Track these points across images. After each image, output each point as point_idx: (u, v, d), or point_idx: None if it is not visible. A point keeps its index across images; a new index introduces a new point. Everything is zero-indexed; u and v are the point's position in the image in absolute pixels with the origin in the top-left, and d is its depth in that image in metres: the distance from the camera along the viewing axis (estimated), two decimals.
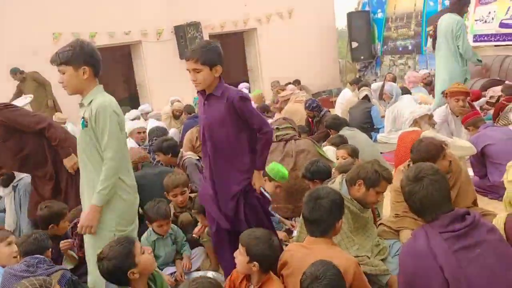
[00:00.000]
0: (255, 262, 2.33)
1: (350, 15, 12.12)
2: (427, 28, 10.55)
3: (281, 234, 3.86)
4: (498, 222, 2.45)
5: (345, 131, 5.34)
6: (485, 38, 8.69)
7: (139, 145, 5.91)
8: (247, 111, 2.83)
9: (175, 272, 3.48)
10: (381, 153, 5.56)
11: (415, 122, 4.71)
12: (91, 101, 2.66)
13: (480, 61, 6.09)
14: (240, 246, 2.39)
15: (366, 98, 7.54)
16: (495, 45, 8.62)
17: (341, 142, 4.63)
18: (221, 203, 2.90)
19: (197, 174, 4.43)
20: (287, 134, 4.46)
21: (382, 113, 7.42)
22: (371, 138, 6.24)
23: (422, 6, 10.70)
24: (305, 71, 11.43)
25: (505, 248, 2.08)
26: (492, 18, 8.08)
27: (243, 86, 10.60)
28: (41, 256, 2.72)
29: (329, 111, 7.00)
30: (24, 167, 4.00)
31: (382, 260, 2.94)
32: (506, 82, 7.24)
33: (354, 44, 11.99)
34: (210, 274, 3.35)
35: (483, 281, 1.98)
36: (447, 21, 5.95)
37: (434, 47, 6.17)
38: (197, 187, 4.28)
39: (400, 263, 2.25)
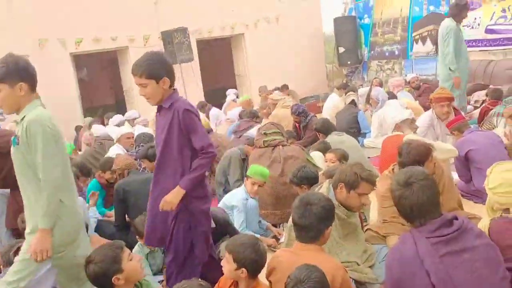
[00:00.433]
0: (243, 269, 2.32)
1: (336, 21, 12.21)
2: (413, 33, 10.69)
3: (269, 241, 3.86)
4: (482, 227, 2.47)
5: (334, 136, 5.37)
6: (473, 43, 8.82)
7: (127, 150, 5.87)
8: (190, 126, 2.66)
9: (163, 280, 3.45)
10: (368, 157, 5.60)
11: (398, 127, 4.76)
12: (23, 117, 2.50)
13: (452, 70, 6.13)
14: (226, 254, 2.38)
15: (353, 103, 7.61)
16: (480, 50, 8.76)
17: (325, 149, 4.65)
18: (158, 220, 2.78)
19: None
20: (274, 139, 4.45)
21: (369, 118, 7.48)
22: (358, 142, 6.28)
23: (408, 11, 10.83)
24: (293, 76, 11.47)
25: (493, 253, 2.09)
26: (478, 24, 8.20)
27: (231, 92, 10.62)
28: None
29: (315, 116, 7.02)
30: (5, 186, 3.86)
31: (370, 266, 2.95)
32: (491, 86, 7.35)
33: (341, 49, 12.08)
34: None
35: (469, 286, 2.00)
36: (442, 25, 6.15)
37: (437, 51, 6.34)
38: None
39: (387, 268, 2.24)
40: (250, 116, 7.17)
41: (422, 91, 7.99)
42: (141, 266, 2.46)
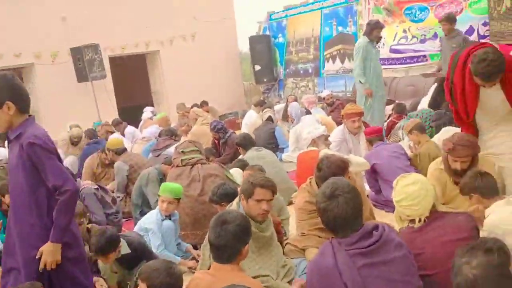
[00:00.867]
0: None
1: (252, 39, 12.47)
2: (325, 52, 11.21)
3: (189, 263, 3.75)
4: None
5: (253, 151, 5.41)
6: (380, 62, 9.42)
7: None
8: (38, 162, 2.38)
9: None
10: (287, 172, 5.70)
11: (313, 142, 4.91)
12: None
13: (362, 83, 6.62)
14: (140, 283, 2.25)
15: (270, 119, 7.77)
16: (385, 68, 9.38)
17: (243, 166, 4.65)
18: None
19: (97, 204, 4.18)
20: (193, 158, 4.35)
21: (286, 133, 7.67)
22: (276, 157, 6.38)
23: (319, 31, 11.34)
24: (211, 93, 11.47)
25: (409, 264, 2.16)
26: (383, 44, 8.78)
27: (148, 110, 10.35)
28: None
29: (234, 133, 7.05)
30: None
31: (290, 281, 2.96)
32: (396, 101, 7.88)
33: (257, 67, 12.33)
34: None
35: None
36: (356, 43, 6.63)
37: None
38: (97, 218, 4.04)
39: (308, 280, 2.26)
40: (169, 134, 7.03)
41: (335, 107, 8.37)
42: None
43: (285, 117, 8.79)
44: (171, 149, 5.84)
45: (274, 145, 7.25)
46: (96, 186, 4.46)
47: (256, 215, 2.88)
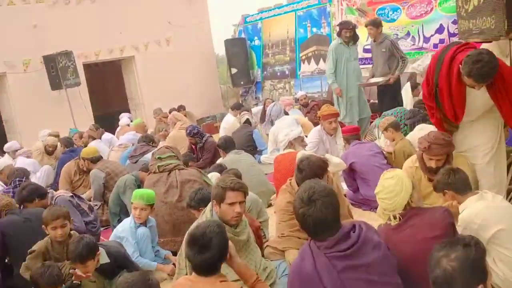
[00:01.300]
0: None
1: (227, 42, 12.46)
2: (300, 53, 11.28)
3: (167, 268, 3.72)
4: None
5: (233, 154, 5.40)
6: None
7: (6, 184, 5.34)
8: None
9: None
10: (266, 174, 5.71)
11: (290, 144, 4.94)
12: None
13: (330, 83, 6.80)
14: None
15: (248, 122, 7.78)
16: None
17: (222, 171, 4.64)
18: None
19: (73, 210, 4.07)
20: (170, 163, 4.30)
21: (264, 135, 7.69)
22: (255, 159, 6.38)
23: (294, 33, 11.42)
24: (188, 98, 11.42)
25: (388, 264, 2.17)
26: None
27: (125, 116, 10.25)
28: None
29: (211, 137, 6.99)
30: None
31: (271, 284, 2.95)
32: (371, 101, 7.97)
33: (234, 70, 12.33)
34: None
35: None
36: None
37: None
38: (75, 225, 3.95)
39: (288, 285, 2.26)
40: (146, 140, 6.96)
41: (311, 108, 8.42)
42: None
43: (263, 119, 8.81)
44: (149, 156, 5.79)
45: (252, 147, 7.26)
46: (71, 194, 4.39)
47: (230, 219, 2.85)
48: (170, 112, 9.65)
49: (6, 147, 7.96)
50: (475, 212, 2.64)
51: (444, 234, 2.41)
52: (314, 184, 2.25)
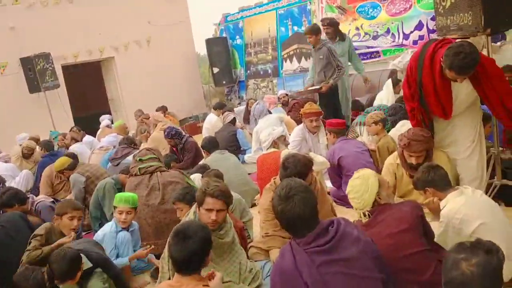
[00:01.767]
0: None
1: (208, 42, 12.39)
2: (282, 52, 11.28)
3: (141, 253, 3.68)
4: None
5: (216, 154, 5.36)
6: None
7: None
8: None
9: None
10: (249, 173, 5.69)
11: (274, 143, 4.92)
12: None
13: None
14: None
15: (233, 121, 7.74)
16: None
17: (204, 172, 4.59)
18: None
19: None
20: (151, 165, 4.24)
21: (247, 135, 7.67)
22: (238, 159, 6.36)
23: (276, 32, 11.41)
24: (170, 98, 11.33)
25: (368, 258, 2.18)
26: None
27: (105, 118, 10.12)
28: None
29: (191, 137, 6.90)
30: None
31: (258, 286, 2.93)
32: (355, 98, 8.00)
33: (216, 70, 12.27)
34: None
35: None
36: None
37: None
38: None
39: (271, 284, 2.25)
40: (128, 142, 6.87)
41: (291, 106, 8.42)
42: None
43: (246, 119, 8.80)
44: (131, 158, 5.72)
45: (236, 147, 7.23)
46: (52, 199, 4.31)
47: (207, 224, 2.80)
48: (153, 113, 9.57)
49: None
50: (456, 208, 2.66)
51: (410, 227, 2.47)
52: (291, 181, 2.28)
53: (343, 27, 8.02)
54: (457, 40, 3.42)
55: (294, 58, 10.97)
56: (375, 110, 5.69)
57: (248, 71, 12.40)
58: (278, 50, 11.43)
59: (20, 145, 7.70)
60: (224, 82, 12.45)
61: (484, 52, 3.58)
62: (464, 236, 2.65)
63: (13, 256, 3.36)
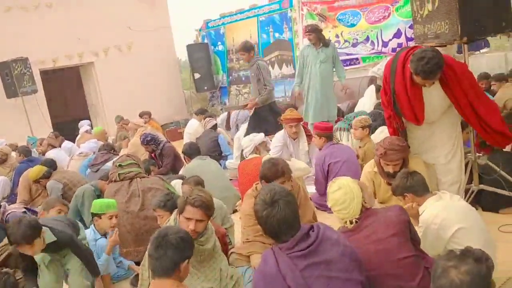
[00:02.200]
0: None
1: (190, 47, 12.35)
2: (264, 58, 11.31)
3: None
4: None
5: (197, 160, 5.34)
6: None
7: None
8: None
9: None
10: (230, 179, 5.68)
11: (256, 149, 4.93)
12: None
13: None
14: None
15: (215, 127, 7.73)
16: None
17: (182, 179, 4.55)
18: None
19: None
20: (130, 171, 4.20)
21: (230, 141, 7.66)
22: (220, 165, 6.34)
23: (257, 38, 11.44)
24: (151, 104, 11.22)
25: (346, 260, 2.19)
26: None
27: (84, 123, 9.98)
28: None
29: (169, 142, 6.83)
30: None
31: None
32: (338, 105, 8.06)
33: (197, 75, 12.23)
34: None
35: None
36: None
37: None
38: None
39: None
40: (107, 148, 6.79)
41: None
42: None
43: (228, 127, 8.78)
44: (110, 164, 5.65)
45: (217, 153, 7.20)
46: (23, 209, 4.22)
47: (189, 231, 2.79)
48: (140, 117, 9.48)
49: None
50: (435, 213, 2.70)
51: (399, 232, 2.46)
52: (274, 186, 2.31)
53: (324, 34, 8.10)
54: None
55: (276, 65, 11.02)
56: (355, 116, 5.75)
57: (230, 77, 12.39)
58: (259, 56, 11.45)
59: None
60: (205, 88, 12.40)
61: (461, 59, 3.66)
62: (442, 241, 2.70)
63: None
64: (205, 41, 12.66)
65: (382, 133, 4.64)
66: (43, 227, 3.04)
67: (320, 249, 2.15)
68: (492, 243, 2.84)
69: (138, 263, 3.91)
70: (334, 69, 6.68)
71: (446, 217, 2.68)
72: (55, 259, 3.30)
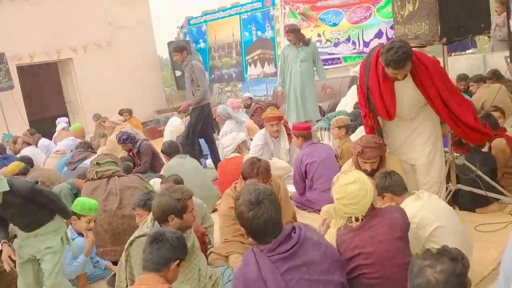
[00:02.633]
0: None
1: (170, 45, 12.22)
2: (247, 57, 11.29)
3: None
4: (330, 238, 2.58)
5: (177, 159, 5.27)
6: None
7: None
8: None
9: None
10: (213, 180, 5.63)
11: (238, 148, 4.90)
12: None
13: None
14: None
15: None
16: None
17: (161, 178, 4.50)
18: None
19: None
20: (108, 169, 4.14)
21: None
22: (200, 164, 6.28)
23: (239, 36, 11.40)
24: (131, 101, 11.08)
25: (327, 263, 2.17)
26: None
27: (62, 121, 9.78)
28: None
29: (146, 140, 6.72)
30: None
31: None
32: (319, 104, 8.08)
33: (178, 73, 12.12)
34: None
35: None
36: None
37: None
38: None
39: None
40: (85, 146, 6.66)
41: (254, 111, 8.42)
42: None
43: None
44: (88, 162, 5.55)
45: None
46: None
47: (190, 224, 2.83)
48: (121, 114, 9.31)
49: None
50: (413, 212, 2.71)
51: (403, 235, 2.44)
52: (257, 186, 2.26)
53: (305, 33, 8.10)
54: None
55: (258, 63, 11.00)
56: (335, 116, 5.76)
57: (213, 75, 12.33)
58: (242, 54, 11.42)
59: None
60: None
61: (440, 60, 3.69)
62: (421, 240, 2.71)
63: None
64: (187, 38, 12.56)
65: (362, 132, 4.65)
66: None
67: (301, 251, 2.12)
68: (469, 242, 2.87)
69: (115, 263, 3.86)
70: (315, 69, 6.70)
71: (424, 216, 2.70)
72: (31, 260, 3.22)
